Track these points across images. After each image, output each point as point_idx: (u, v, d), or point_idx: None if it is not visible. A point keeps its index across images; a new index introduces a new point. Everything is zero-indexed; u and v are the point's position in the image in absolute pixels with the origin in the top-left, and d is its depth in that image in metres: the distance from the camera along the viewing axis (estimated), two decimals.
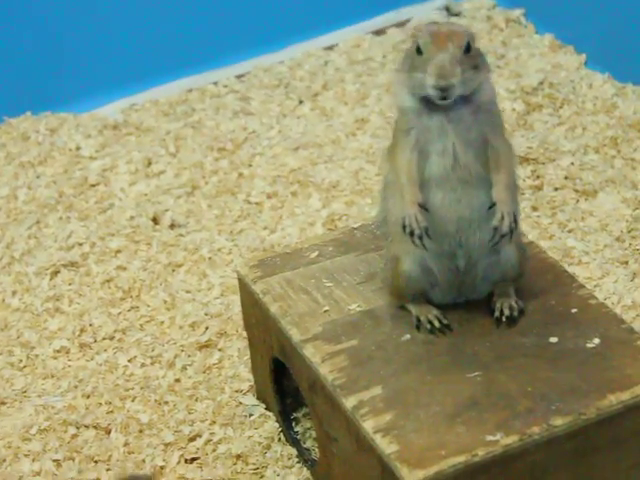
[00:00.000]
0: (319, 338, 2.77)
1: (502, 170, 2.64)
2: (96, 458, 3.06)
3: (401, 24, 4.88)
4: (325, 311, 2.86)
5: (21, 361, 3.41)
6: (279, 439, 3.06)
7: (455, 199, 2.66)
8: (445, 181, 2.64)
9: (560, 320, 2.73)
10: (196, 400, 3.21)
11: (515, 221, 2.64)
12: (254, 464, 3.00)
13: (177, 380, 3.29)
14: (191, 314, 3.50)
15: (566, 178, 3.89)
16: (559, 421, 2.48)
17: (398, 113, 2.69)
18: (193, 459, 3.04)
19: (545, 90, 4.32)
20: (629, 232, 3.64)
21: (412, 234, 2.64)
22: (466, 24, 4.79)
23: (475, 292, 2.78)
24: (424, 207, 2.63)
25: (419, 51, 2.59)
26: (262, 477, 2.97)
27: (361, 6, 4.88)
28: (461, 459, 2.42)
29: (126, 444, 3.09)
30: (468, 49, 2.57)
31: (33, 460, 3.07)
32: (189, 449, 3.06)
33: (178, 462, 3.03)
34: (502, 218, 2.62)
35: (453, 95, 2.56)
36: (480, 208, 2.66)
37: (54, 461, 3.06)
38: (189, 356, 3.36)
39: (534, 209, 3.75)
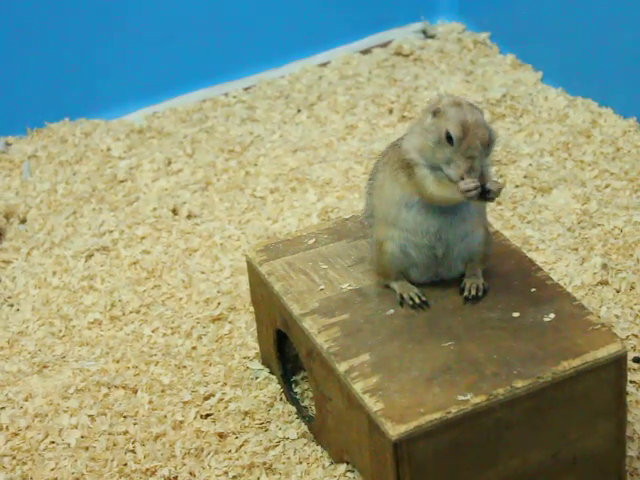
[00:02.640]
0: (316, 312, 2.77)
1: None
2: (125, 414, 3.06)
3: (385, 45, 4.87)
4: (321, 289, 2.85)
5: (60, 331, 3.41)
6: (281, 398, 3.06)
7: (439, 210, 2.67)
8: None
9: (521, 298, 2.73)
10: (210, 365, 3.21)
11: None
12: (259, 419, 3.00)
13: (194, 348, 3.28)
14: (205, 292, 3.50)
15: (525, 177, 3.89)
16: (520, 383, 2.49)
17: (406, 159, 2.66)
18: (207, 415, 3.04)
19: (507, 102, 4.32)
20: (579, 223, 3.64)
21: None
22: (440, 45, 4.80)
23: (450, 272, 2.78)
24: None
25: (450, 140, 2.53)
26: (266, 430, 2.97)
27: (350, 29, 4.87)
28: (437, 416, 2.43)
29: (150, 402, 3.09)
30: (491, 141, 2.55)
31: (71, 415, 3.07)
32: (204, 407, 3.06)
33: (195, 417, 3.03)
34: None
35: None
36: (460, 211, 2.67)
37: (89, 416, 3.06)
38: (204, 327, 3.36)
39: (498, 204, 3.75)
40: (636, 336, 3.16)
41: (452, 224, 2.68)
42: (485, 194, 2.54)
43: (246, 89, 4.67)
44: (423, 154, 2.60)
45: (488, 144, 2.55)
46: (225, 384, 3.13)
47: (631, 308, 3.27)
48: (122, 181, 4.11)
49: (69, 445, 2.97)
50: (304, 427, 2.96)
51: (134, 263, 3.67)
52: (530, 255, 3.28)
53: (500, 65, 4.64)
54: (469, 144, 2.52)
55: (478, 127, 2.54)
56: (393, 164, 2.70)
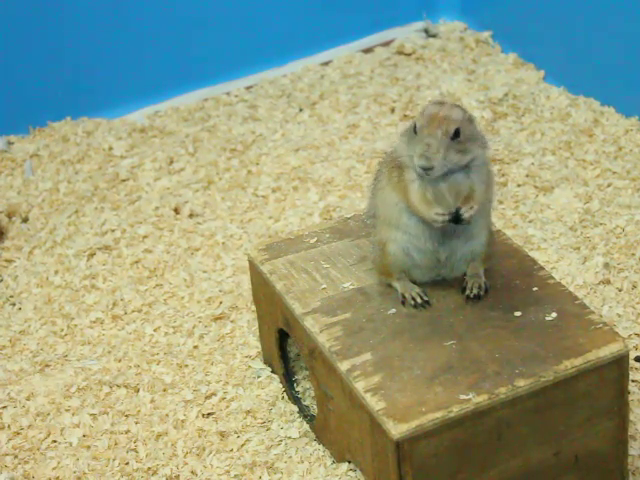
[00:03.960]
0: (318, 311, 2.78)
1: (473, 197, 2.63)
2: (127, 413, 3.07)
3: (386, 43, 4.87)
4: (323, 288, 2.86)
5: (62, 330, 3.41)
6: (283, 397, 3.06)
7: None
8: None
9: (523, 297, 2.74)
10: (212, 364, 3.21)
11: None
12: (261, 418, 3.00)
13: (195, 347, 3.29)
14: (207, 291, 3.50)
15: (527, 176, 3.89)
16: (522, 382, 2.49)
17: (398, 161, 2.68)
18: (209, 414, 3.04)
19: (509, 101, 4.32)
20: (581, 222, 3.64)
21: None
22: (442, 44, 4.79)
23: (452, 273, 2.78)
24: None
25: (415, 131, 2.58)
26: (268, 430, 2.97)
27: (352, 28, 4.87)
28: (438, 415, 2.43)
29: (152, 401, 3.10)
30: (457, 135, 2.56)
31: (73, 414, 3.07)
32: (206, 405, 3.06)
33: (196, 416, 3.03)
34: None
35: (434, 174, 2.56)
36: None
37: (91, 415, 3.06)
38: (205, 326, 3.36)
39: (500, 203, 3.75)
40: (638, 335, 3.16)
41: (455, 229, 2.68)
42: (458, 219, 2.61)
43: (248, 88, 4.67)
44: (402, 153, 2.63)
45: (453, 136, 2.55)
46: (227, 383, 3.13)
47: (633, 307, 3.27)
48: (124, 180, 4.11)
49: (71, 444, 2.98)
50: (306, 426, 2.96)
51: (136, 262, 3.67)
52: (532, 254, 3.28)
53: (502, 64, 4.63)
54: (429, 132, 2.55)
55: (445, 120, 2.56)
56: (389, 164, 2.72)
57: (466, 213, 2.61)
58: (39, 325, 3.43)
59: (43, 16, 4.38)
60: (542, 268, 2.84)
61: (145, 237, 3.79)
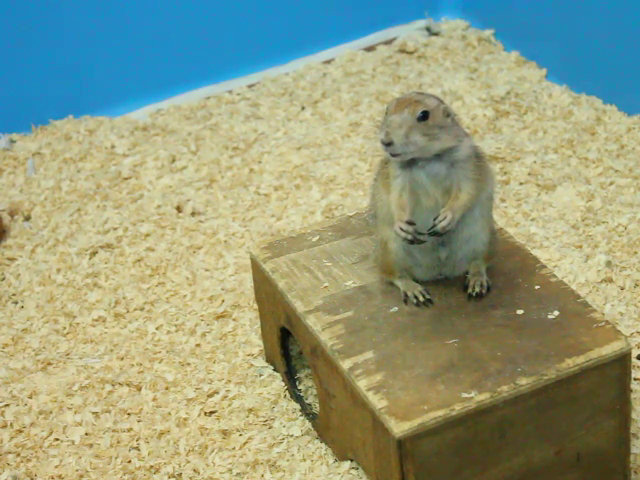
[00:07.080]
0: (320, 310, 2.78)
1: (456, 199, 2.63)
2: (129, 411, 3.07)
3: (389, 42, 4.87)
4: (325, 287, 2.86)
5: (65, 328, 3.41)
6: (285, 396, 3.06)
7: None
8: (434, 210, 2.64)
9: (525, 295, 2.73)
10: (214, 362, 3.21)
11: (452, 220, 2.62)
12: (263, 417, 3.00)
13: (198, 345, 3.29)
14: (209, 289, 3.50)
15: (529, 174, 3.89)
16: (524, 381, 2.49)
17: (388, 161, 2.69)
18: (211, 412, 3.04)
19: (512, 99, 4.32)
20: (583, 220, 3.64)
21: (406, 240, 2.64)
22: (444, 42, 4.79)
23: (454, 272, 2.78)
24: (411, 222, 2.63)
25: (386, 112, 2.59)
26: (270, 428, 2.97)
27: (354, 26, 4.87)
28: (440, 413, 2.43)
29: (154, 399, 3.10)
30: (424, 118, 2.55)
31: (75, 412, 3.07)
32: (208, 404, 3.06)
33: (199, 415, 3.03)
34: (443, 218, 2.61)
35: (395, 151, 2.55)
36: (463, 217, 2.65)
37: (93, 413, 3.06)
38: (208, 325, 3.36)
39: (502, 201, 3.75)
40: None
41: (455, 229, 2.67)
42: (433, 230, 2.60)
43: (250, 86, 4.67)
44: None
45: (420, 118, 2.55)
46: (229, 381, 3.13)
47: (635, 305, 3.27)
48: (126, 178, 4.11)
49: (73, 442, 2.98)
50: (308, 424, 2.96)
51: (138, 260, 3.67)
52: (534, 252, 3.28)
53: (504, 62, 4.63)
54: (395, 111, 2.56)
55: (415, 102, 2.57)
56: (381, 162, 2.74)
57: (439, 224, 2.60)
58: (41, 323, 3.43)
59: (45, 14, 4.38)
60: (544, 266, 2.84)
61: (147, 235, 3.79)
